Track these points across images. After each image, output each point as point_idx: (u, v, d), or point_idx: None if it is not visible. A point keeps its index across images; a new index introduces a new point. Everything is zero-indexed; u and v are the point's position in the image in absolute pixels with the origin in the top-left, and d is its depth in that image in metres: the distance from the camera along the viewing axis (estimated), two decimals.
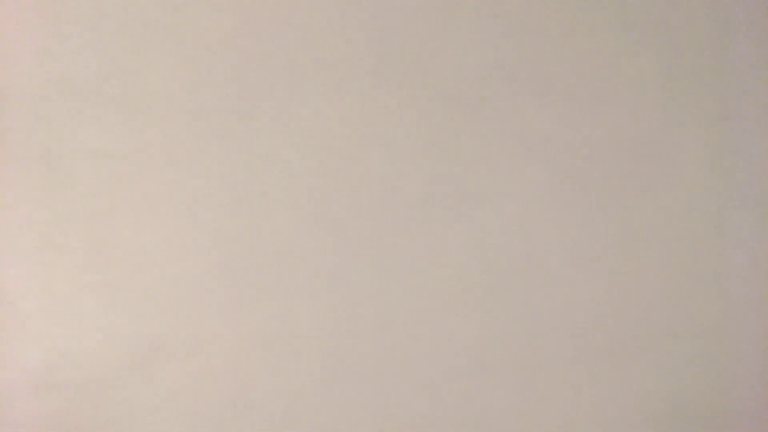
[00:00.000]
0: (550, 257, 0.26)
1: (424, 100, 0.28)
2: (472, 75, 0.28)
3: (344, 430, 0.25)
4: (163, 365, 0.26)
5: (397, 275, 0.26)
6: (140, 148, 0.28)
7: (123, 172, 0.28)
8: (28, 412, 0.26)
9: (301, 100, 0.28)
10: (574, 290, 0.25)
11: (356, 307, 0.26)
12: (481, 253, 0.26)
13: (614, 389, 0.24)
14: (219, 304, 0.26)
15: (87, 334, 0.27)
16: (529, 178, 0.26)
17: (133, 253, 0.27)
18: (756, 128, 0.26)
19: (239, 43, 0.29)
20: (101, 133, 0.28)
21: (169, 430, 0.25)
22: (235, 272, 0.27)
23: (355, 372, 0.25)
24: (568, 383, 0.24)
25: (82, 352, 0.26)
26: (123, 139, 0.28)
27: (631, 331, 0.25)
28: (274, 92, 0.29)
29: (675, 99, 0.27)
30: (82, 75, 0.29)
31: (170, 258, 0.27)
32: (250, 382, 0.25)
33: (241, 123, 0.28)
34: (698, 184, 0.26)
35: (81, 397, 0.26)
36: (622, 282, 0.24)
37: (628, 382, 0.24)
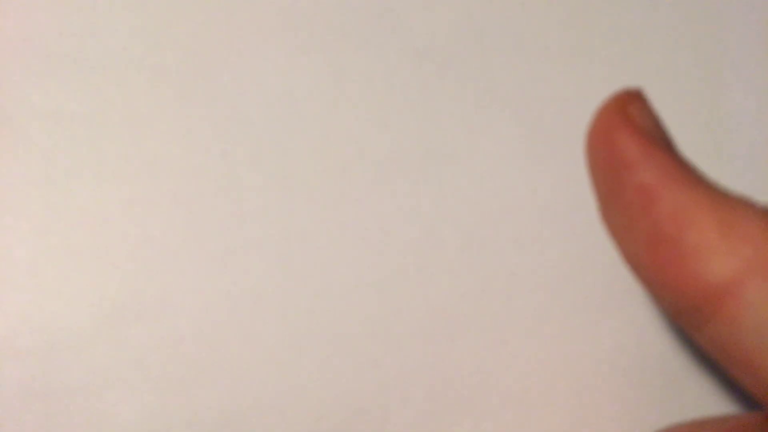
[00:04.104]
0: (523, 215, 0.25)
1: (393, 56, 0.27)
2: (442, 31, 0.28)
3: (313, 392, 0.24)
4: (128, 329, 0.26)
5: (367, 234, 0.26)
6: (98, 109, 0.27)
7: (81, 133, 0.27)
8: None
9: (264, 57, 0.28)
10: (546, 247, 0.25)
11: (325, 268, 0.26)
12: (452, 210, 0.26)
13: (587, 345, 0.24)
14: (183, 266, 0.26)
15: (50, 299, 0.26)
16: (501, 135, 0.26)
17: (94, 216, 0.27)
18: (747, 81, 0.26)
19: None
20: (57, 93, 0.27)
21: (136, 393, 0.25)
22: (199, 234, 0.26)
23: (325, 333, 0.25)
24: (543, 340, 0.24)
25: (45, 318, 0.26)
26: (80, 99, 0.27)
27: (605, 287, 0.25)
28: (237, 49, 0.28)
29: (649, 54, 0.26)
30: (36, 33, 0.28)
31: (132, 220, 0.26)
32: (218, 343, 0.25)
33: (203, 81, 0.27)
34: (679, 140, 0.26)
35: (46, 364, 0.25)
36: (594, 239, 0.24)
37: (602, 338, 0.24)
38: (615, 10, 0.28)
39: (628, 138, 0.19)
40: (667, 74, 0.28)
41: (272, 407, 0.26)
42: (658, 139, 0.19)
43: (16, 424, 0.26)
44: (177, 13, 0.28)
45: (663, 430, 0.20)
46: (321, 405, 0.26)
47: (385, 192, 0.27)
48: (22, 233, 0.26)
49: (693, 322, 0.18)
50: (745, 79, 0.28)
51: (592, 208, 0.26)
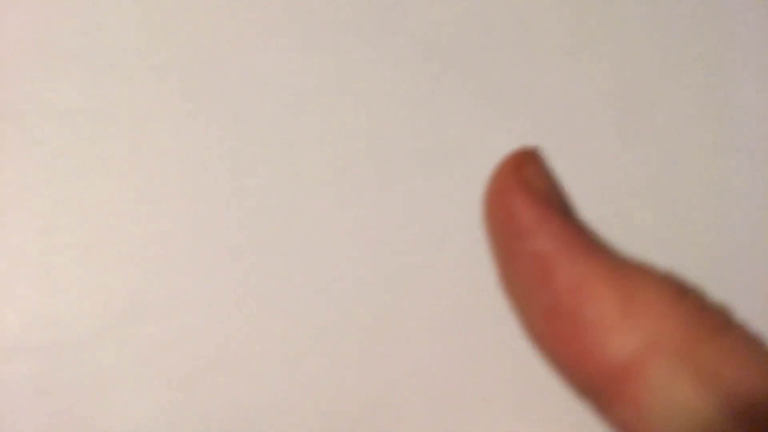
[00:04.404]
0: None
1: (402, 52, 0.27)
2: (451, 26, 0.28)
3: (322, 390, 0.24)
4: (138, 325, 0.26)
5: (377, 230, 0.26)
6: (107, 105, 0.27)
7: (90, 130, 0.27)
8: (2, 376, 0.26)
9: (270, 55, 0.28)
10: None
11: (334, 264, 0.26)
12: (462, 206, 0.26)
13: None
14: (193, 263, 0.26)
15: (60, 295, 0.26)
16: (510, 130, 0.26)
17: (103, 212, 0.27)
18: (751, 75, 0.26)
19: None
20: (66, 90, 0.28)
21: (145, 390, 0.25)
22: (208, 230, 0.26)
23: (335, 329, 0.25)
24: None
25: (55, 314, 0.26)
26: (89, 96, 0.27)
27: None
28: (244, 48, 0.28)
29: (656, 51, 0.26)
30: (45, 31, 0.28)
31: (141, 217, 0.26)
32: (227, 341, 0.25)
33: (212, 77, 0.27)
34: (685, 136, 0.26)
35: (56, 361, 0.26)
36: (603, 233, 0.24)
37: None
38: (621, 8, 0.28)
39: (524, 203, 0.17)
40: (674, 71, 0.27)
41: (281, 405, 0.26)
42: (555, 204, 0.18)
43: (26, 420, 0.26)
44: (184, 13, 0.28)
45: None
46: (330, 402, 0.26)
47: (392, 189, 0.27)
48: (32, 231, 0.26)
49: (597, 403, 0.17)
50: (752, 75, 0.28)
51: (596, 203, 0.26)
